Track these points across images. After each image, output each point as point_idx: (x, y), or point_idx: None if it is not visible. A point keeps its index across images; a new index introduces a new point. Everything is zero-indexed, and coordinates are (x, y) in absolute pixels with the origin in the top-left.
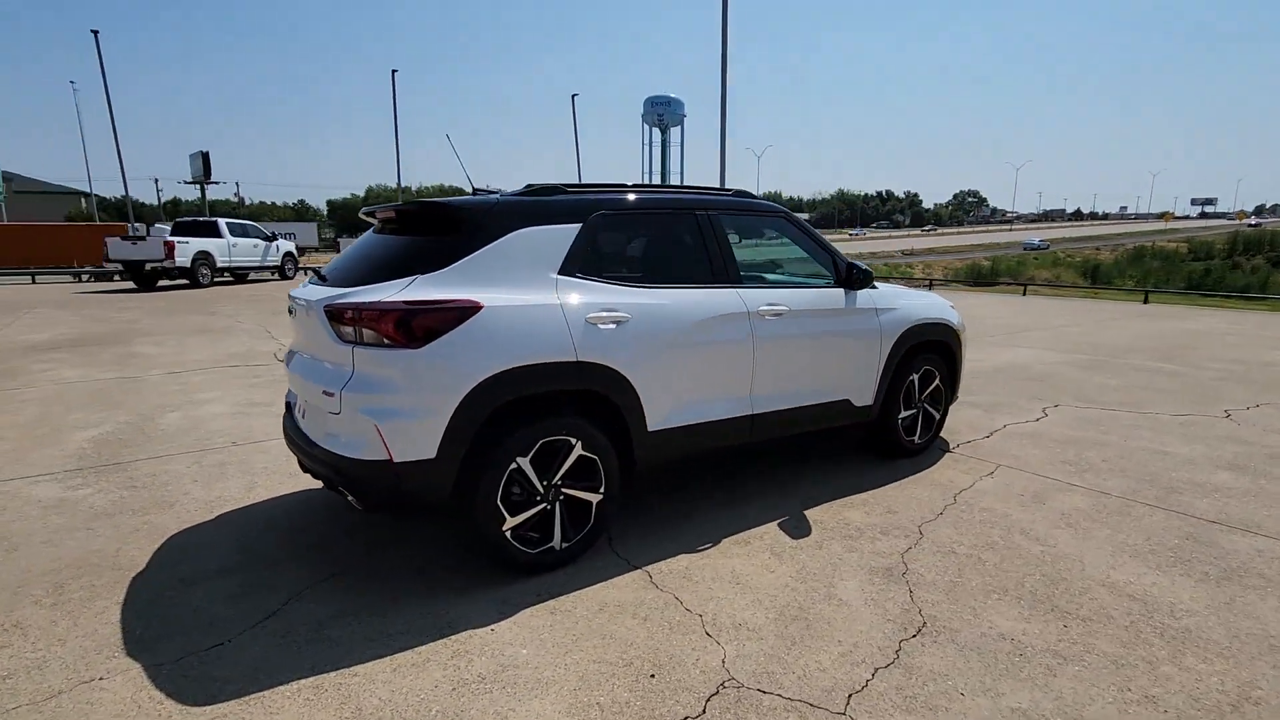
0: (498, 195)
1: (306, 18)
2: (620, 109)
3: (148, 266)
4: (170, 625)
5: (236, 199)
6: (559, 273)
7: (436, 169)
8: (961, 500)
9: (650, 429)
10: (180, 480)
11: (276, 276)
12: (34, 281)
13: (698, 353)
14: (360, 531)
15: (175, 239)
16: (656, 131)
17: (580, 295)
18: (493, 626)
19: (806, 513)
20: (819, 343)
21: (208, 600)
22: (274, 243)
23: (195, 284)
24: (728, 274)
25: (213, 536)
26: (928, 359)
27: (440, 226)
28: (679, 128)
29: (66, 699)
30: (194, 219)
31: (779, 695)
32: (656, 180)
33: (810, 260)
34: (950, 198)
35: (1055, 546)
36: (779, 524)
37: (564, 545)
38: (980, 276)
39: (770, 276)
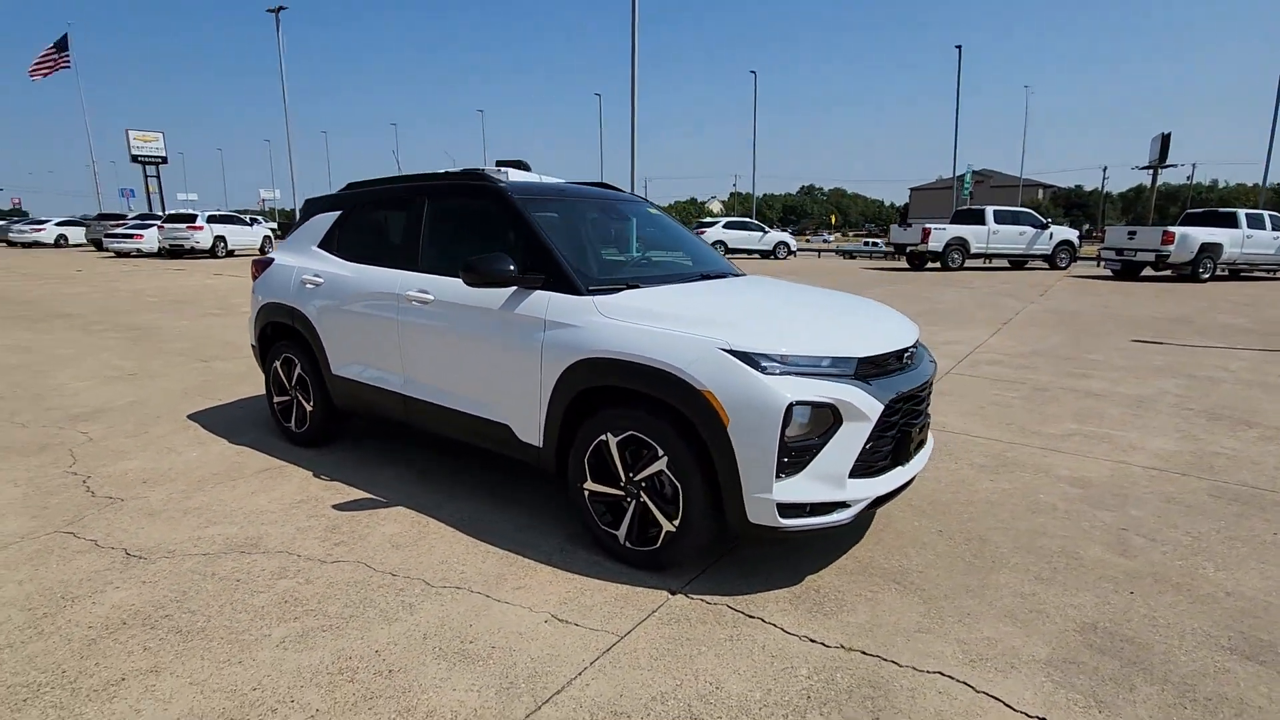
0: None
1: None
2: None
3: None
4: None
5: (1191, 181)
6: (317, 247)
7: None
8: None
9: (333, 372)
10: None
11: (1046, 265)
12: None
13: (360, 321)
14: None
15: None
16: None
17: (311, 263)
18: (193, 453)
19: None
20: (465, 344)
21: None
22: (1046, 230)
23: (944, 266)
24: (416, 257)
25: None
26: (634, 420)
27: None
28: None
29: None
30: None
31: None
32: None
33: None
34: None
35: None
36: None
37: (299, 429)
38: None
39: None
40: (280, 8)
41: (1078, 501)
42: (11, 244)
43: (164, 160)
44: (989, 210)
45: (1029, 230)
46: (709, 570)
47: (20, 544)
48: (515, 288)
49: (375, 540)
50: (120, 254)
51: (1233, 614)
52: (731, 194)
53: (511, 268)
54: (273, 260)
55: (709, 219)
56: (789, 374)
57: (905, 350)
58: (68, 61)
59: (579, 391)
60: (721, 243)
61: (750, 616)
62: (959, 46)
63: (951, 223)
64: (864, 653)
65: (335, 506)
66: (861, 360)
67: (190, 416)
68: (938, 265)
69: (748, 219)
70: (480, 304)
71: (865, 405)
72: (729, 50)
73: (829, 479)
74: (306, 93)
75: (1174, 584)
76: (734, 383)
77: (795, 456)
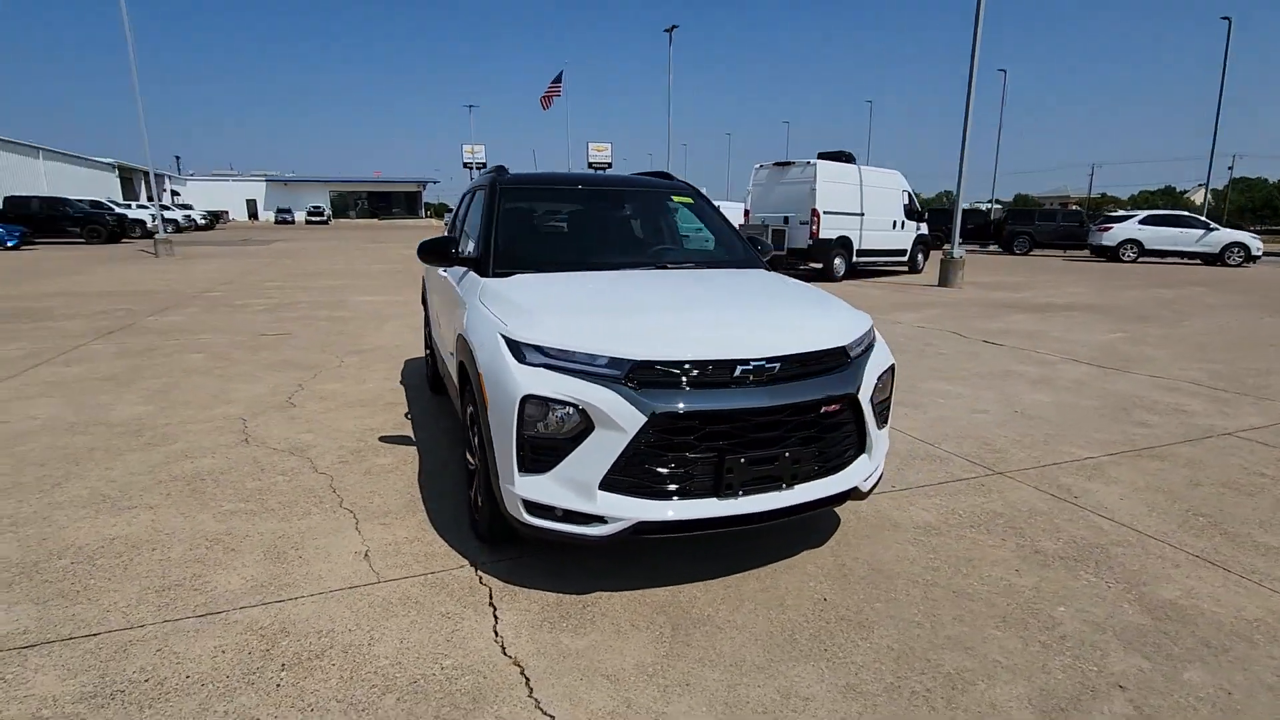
0: None
1: None
2: None
3: None
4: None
5: None
6: (447, 231)
7: None
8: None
9: (430, 331)
10: None
11: None
12: None
13: (435, 293)
14: None
15: None
16: None
17: None
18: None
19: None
20: (446, 313)
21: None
22: None
23: None
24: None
25: None
26: (471, 396)
27: None
28: None
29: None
30: None
31: None
32: None
33: None
34: None
35: None
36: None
37: (429, 377)
38: None
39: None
40: (673, 27)
41: (1109, 632)
42: None
43: (609, 166)
44: None
45: None
46: (535, 556)
47: (215, 421)
48: (464, 268)
49: (363, 465)
50: None
51: None
52: (1231, 180)
53: (454, 250)
54: None
55: (1123, 213)
56: (549, 368)
57: (748, 361)
58: (559, 91)
59: (459, 363)
60: (1135, 242)
61: (490, 605)
62: None
63: None
64: (522, 670)
65: (380, 438)
66: (639, 364)
67: (407, 360)
68: None
69: (1184, 213)
70: (451, 280)
71: (619, 413)
72: None
73: (576, 486)
74: (723, 99)
75: None
76: (496, 369)
77: (539, 453)
